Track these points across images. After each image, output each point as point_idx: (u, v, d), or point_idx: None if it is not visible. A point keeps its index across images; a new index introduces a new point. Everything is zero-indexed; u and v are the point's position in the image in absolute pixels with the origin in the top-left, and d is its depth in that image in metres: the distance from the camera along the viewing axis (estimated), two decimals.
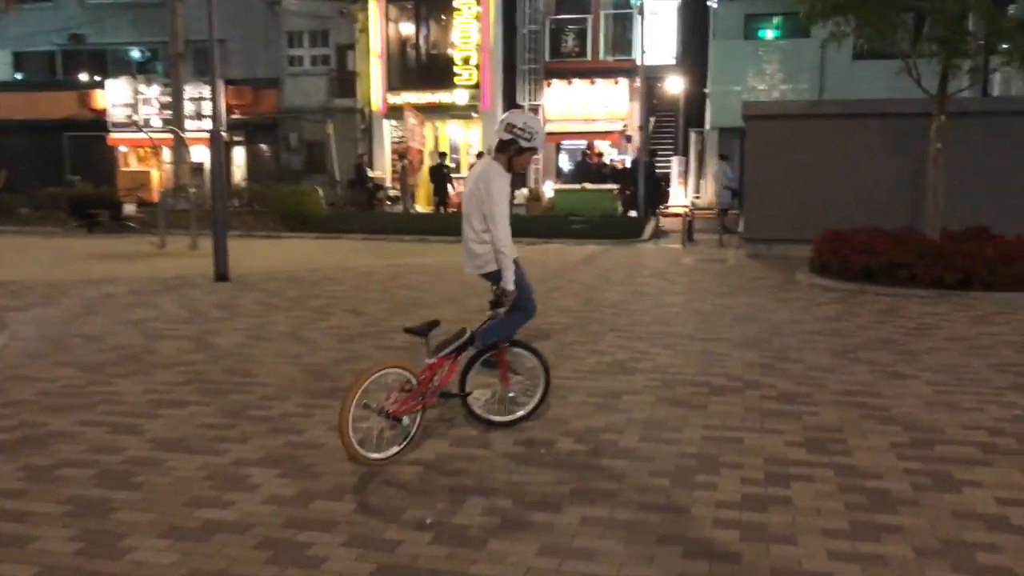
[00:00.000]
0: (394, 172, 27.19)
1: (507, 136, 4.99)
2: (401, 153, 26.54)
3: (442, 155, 25.01)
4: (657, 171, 24.58)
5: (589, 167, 26.14)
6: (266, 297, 10.52)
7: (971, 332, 8.15)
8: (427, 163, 25.90)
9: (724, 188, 19.85)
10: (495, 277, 5.08)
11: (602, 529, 3.86)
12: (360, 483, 4.40)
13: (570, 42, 27.36)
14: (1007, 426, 5.29)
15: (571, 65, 27.07)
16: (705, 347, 7.59)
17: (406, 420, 4.72)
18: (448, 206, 23.49)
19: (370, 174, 26.16)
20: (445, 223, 19.99)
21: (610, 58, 26.93)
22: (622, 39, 26.94)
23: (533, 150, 5.05)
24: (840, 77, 23.38)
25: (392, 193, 26.38)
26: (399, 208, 24.92)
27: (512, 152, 5.02)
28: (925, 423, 5.38)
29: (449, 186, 23.98)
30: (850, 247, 11.37)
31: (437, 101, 26.93)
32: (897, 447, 4.92)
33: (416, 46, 27.96)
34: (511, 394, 5.34)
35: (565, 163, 28.97)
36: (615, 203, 22.31)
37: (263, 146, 29.66)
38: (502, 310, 5.10)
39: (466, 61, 26.56)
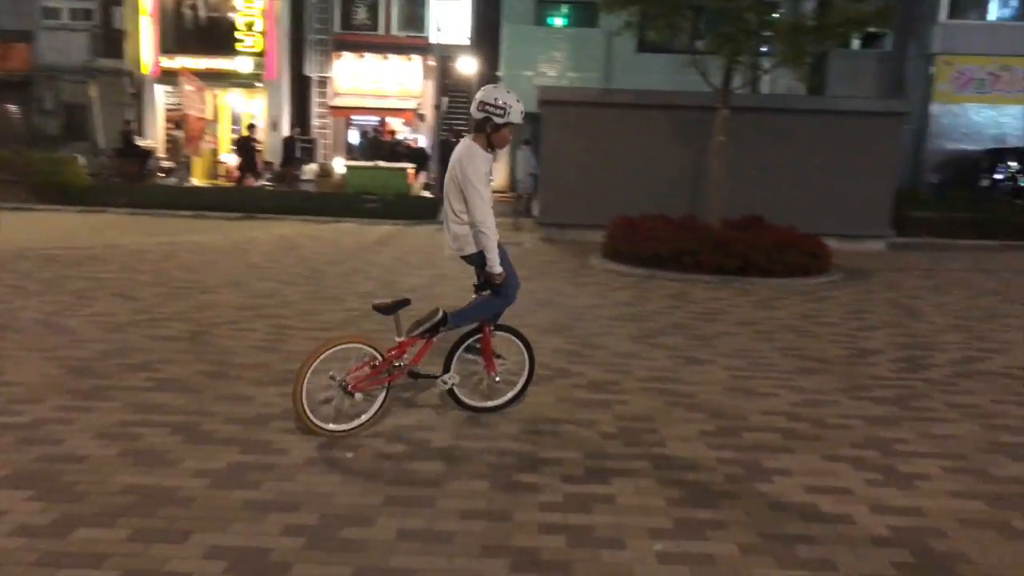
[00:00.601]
0: (168, 141, 25.12)
1: (480, 114, 4.82)
2: (177, 122, 24.54)
3: (251, 127, 23.38)
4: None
5: (381, 144, 25.48)
6: (15, 279, 9.17)
7: (755, 317, 8.58)
8: (225, 135, 24.11)
9: (528, 175, 19.99)
10: (477, 260, 5.02)
11: (421, 543, 3.52)
12: (135, 504, 3.76)
13: (361, 14, 26.50)
14: (801, 411, 5.52)
15: (363, 38, 26.23)
16: None
17: (359, 396, 4.73)
18: (258, 179, 22.07)
19: (139, 143, 23.97)
20: (226, 197, 18.68)
21: (403, 34, 26.37)
22: (415, 15, 26.45)
23: (510, 125, 4.87)
24: (625, 67, 24.29)
25: (165, 164, 24.33)
26: (173, 180, 23.03)
27: (489, 130, 4.85)
28: (728, 409, 5.49)
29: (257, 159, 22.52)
30: (640, 234, 11.73)
31: (217, 68, 25.14)
32: (707, 435, 4.97)
33: (194, 7, 25.91)
34: (497, 379, 5.20)
35: (356, 139, 28.08)
36: (408, 182, 21.86)
37: (11, 107, 26.34)
38: (486, 293, 5.09)
39: (249, 27, 25.00)
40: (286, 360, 6.29)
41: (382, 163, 21.56)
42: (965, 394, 5.97)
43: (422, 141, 25.75)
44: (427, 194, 21.36)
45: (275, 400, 5.34)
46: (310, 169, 23.38)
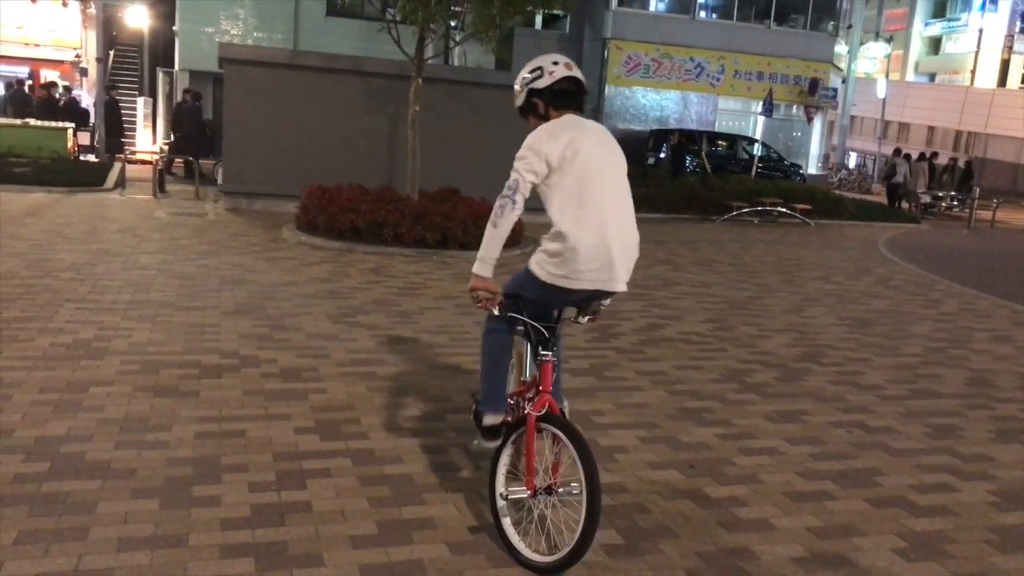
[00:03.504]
0: None
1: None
2: None
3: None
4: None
5: (29, 99, 22.16)
6: None
7: (456, 290, 8.45)
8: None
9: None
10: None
11: None
12: None
13: None
14: None
15: None
16: (191, 317, 6.58)
17: None
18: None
19: None
20: None
21: None
22: None
23: None
24: (315, 31, 23.28)
25: None
26: None
27: None
28: (434, 391, 5.23)
29: None
30: (336, 204, 11.16)
31: None
32: (412, 421, 4.66)
33: None
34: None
35: None
36: (68, 144, 19.20)
37: None
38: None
39: None
40: None
41: (33, 121, 18.77)
42: (651, 361, 6.25)
43: (84, 98, 22.82)
44: (91, 157, 18.93)
45: None
46: None
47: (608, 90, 25.18)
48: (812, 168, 28.23)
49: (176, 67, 25.19)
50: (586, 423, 4.82)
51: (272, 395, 4.93)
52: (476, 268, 3.21)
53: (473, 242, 10.61)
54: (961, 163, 26.99)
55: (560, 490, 3.20)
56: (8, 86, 23.50)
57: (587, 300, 3.37)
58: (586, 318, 3.46)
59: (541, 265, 3.24)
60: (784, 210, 17.78)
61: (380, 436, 4.42)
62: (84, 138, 20.32)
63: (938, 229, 19.78)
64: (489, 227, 3.19)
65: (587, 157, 3.22)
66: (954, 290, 10.75)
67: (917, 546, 3.60)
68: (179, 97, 20.21)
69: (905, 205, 23.33)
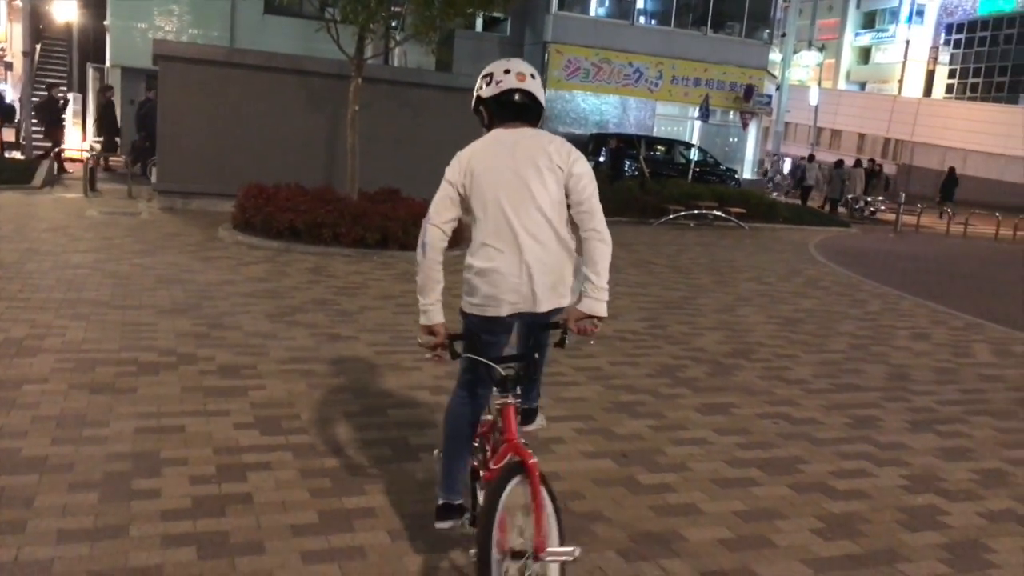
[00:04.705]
0: None
1: (543, 99, 3.18)
2: None
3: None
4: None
5: None
6: None
7: (397, 290, 8.50)
8: None
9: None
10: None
11: None
12: None
13: None
14: (445, 383, 5.47)
15: None
16: (127, 316, 6.51)
17: None
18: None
19: None
20: None
21: None
22: None
23: None
24: (252, 29, 22.98)
25: None
26: None
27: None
28: (373, 387, 5.30)
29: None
30: (274, 204, 11.09)
31: None
32: (352, 416, 4.72)
33: None
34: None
35: None
36: None
37: None
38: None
39: None
40: None
41: None
42: (587, 358, 6.41)
43: (8, 94, 22.17)
44: (17, 155, 18.41)
45: None
46: None
47: (548, 94, 25.42)
48: (748, 173, 28.93)
49: (107, 63, 24.64)
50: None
51: (211, 392, 4.94)
52: (420, 319, 3.01)
53: (413, 242, 10.66)
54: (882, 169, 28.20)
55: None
56: None
57: (532, 326, 3.04)
58: (559, 340, 3.04)
59: (463, 297, 3.08)
60: (719, 214, 18.21)
61: (320, 431, 4.48)
62: (9, 135, 19.76)
63: (867, 233, 20.49)
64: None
65: (485, 177, 2.99)
66: (879, 291, 11.20)
67: (834, 527, 3.81)
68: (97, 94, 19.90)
69: (842, 210, 24.29)
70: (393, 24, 13.80)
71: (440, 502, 3.13)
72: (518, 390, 2.92)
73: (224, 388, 5.02)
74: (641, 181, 20.38)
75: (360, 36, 11.84)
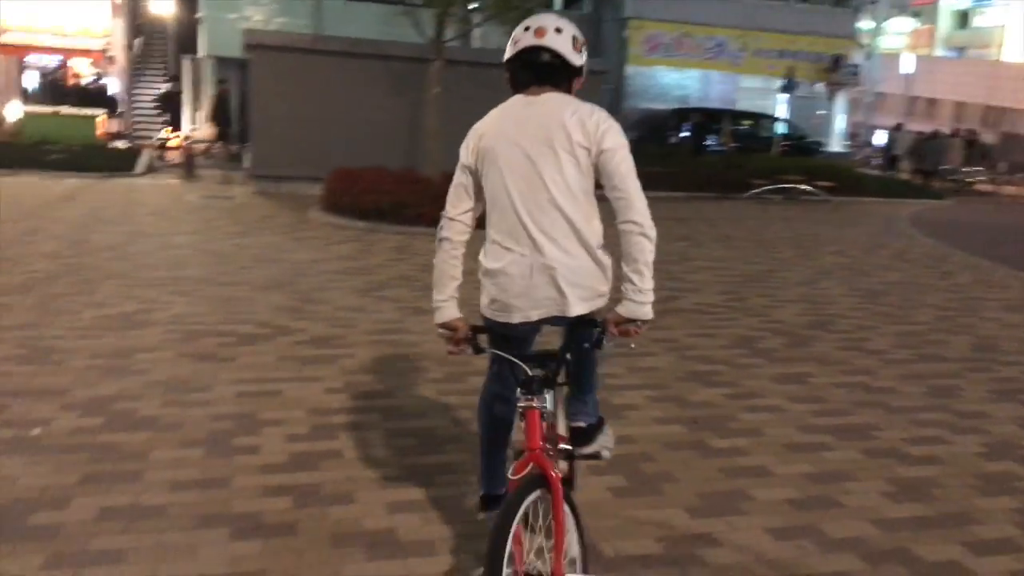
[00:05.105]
0: None
1: (579, 60, 2.64)
2: None
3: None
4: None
5: (63, 88, 22.72)
6: None
7: (475, 267, 8.72)
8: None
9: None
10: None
11: (127, 521, 3.17)
12: None
13: None
14: None
15: None
16: (225, 292, 6.94)
17: None
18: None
19: None
20: None
21: None
22: None
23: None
24: (336, 16, 23.49)
25: None
26: None
27: (575, 84, 2.74)
28: (453, 357, 5.52)
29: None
30: (360, 186, 11.49)
31: None
32: (435, 383, 4.97)
33: None
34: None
35: (33, 82, 24.76)
36: (97, 130, 19.71)
37: None
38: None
39: None
40: None
41: (67, 109, 19.26)
42: (665, 329, 6.51)
43: (113, 85, 23.30)
44: (120, 144, 19.41)
45: None
46: None
47: (628, 70, 25.25)
48: (836, 146, 28.15)
49: (202, 53, 25.60)
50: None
51: (304, 360, 5.27)
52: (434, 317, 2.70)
53: None
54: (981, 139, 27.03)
55: None
56: (42, 75, 24.02)
57: (572, 328, 2.68)
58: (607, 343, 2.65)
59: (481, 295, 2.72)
60: (806, 187, 17.85)
61: (405, 395, 4.74)
62: (114, 125, 20.83)
63: (962, 205, 19.75)
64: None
65: (492, 158, 2.61)
66: (971, 262, 10.87)
67: (905, 490, 3.85)
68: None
69: (937, 182, 23.48)
70: (473, 5, 13.99)
71: (482, 493, 2.95)
72: (546, 394, 2.49)
73: (316, 356, 5.34)
74: (724, 156, 20.12)
75: (440, 19, 12.07)
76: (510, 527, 2.23)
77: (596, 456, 3.07)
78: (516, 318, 2.60)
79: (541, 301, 2.56)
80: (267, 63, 14.14)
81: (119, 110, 21.42)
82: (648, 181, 12.01)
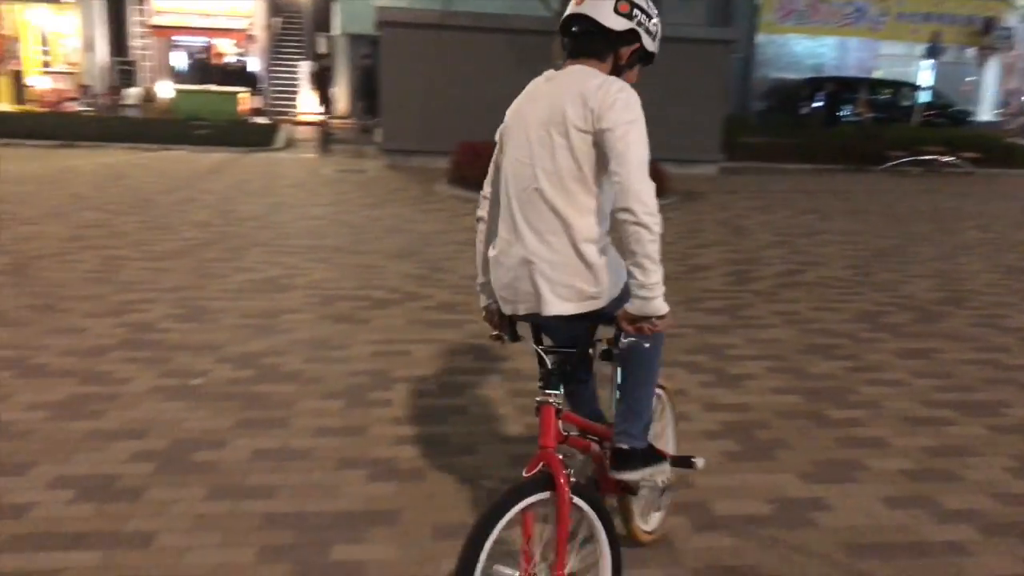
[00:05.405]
0: None
1: (623, 24, 2.35)
2: None
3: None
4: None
5: (209, 67, 24.11)
6: None
7: None
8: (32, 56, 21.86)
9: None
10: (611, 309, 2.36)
11: (276, 462, 3.52)
12: None
13: None
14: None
15: None
16: (360, 260, 7.36)
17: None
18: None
19: None
20: (37, 124, 17.20)
21: None
22: None
23: (650, 59, 2.49)
24: None
25: None
26: None
27: (628, 58, 2.43)
28: None
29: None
30: (486, 159, 11.74)
31: None
32: None
33: None
34: None
35: (181, 61, 26.37)
36: (239, 107, 20.89)
37: None
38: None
39: None
40: (120, 290, 5.99)
41: (212, 87, 20.45)
42: (787, 303, 6.47)
43: (253, 64, 24.53)
44: (261, 120, 20.48)
45: (112, 331, 5.09)
46: (134, 94, 21.84)
47: (759, 38, 24.52)
48: (986, 115, 26.48)
49: (336, 31, 26.53)
50: (716, 353, 5.18)
51: (432, 324, 5.57)
52: None
53: None
54: None
55: None
56: (190, 55, 25.51)
57: (557, 328, 2.53)
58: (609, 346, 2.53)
59: None
60: (948, 159, 16.98)
61: (525, 359, 4.96)
62: (255, 102, 21.98)
63: None
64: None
65: (506, 136, 2.47)
66: None
67: None
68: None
69: None
70: None
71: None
72: (561, 389, 2.36)
73: (442, 321, 5.64)
74: (860, 126, 19.33)
75: None
76: (490, 529, 2.07)
77: (632, 490, 2.75)
78: (507, 309, 2.46)
79: (522, 295, 2.36)
80: (397, 39, 14.61)
81: (259, 87, 22.56)
82: (776, 153, 12.16)
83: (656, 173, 11.00)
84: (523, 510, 2.16)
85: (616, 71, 2.40)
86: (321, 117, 18.27)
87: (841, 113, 21.27)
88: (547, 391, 2.34)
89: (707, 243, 8.93)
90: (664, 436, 3.11)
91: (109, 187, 10.82)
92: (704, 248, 8.63)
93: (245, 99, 21.29)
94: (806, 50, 25.09)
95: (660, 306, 2.20)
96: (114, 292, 5.96)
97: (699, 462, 2.72)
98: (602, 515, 2.31)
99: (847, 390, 4.68)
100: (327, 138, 16.90)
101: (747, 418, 4.19)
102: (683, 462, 2.71)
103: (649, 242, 2.13)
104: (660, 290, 2.19)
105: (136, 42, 24.77)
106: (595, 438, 2.72)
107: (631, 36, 2.35)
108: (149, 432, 3.72)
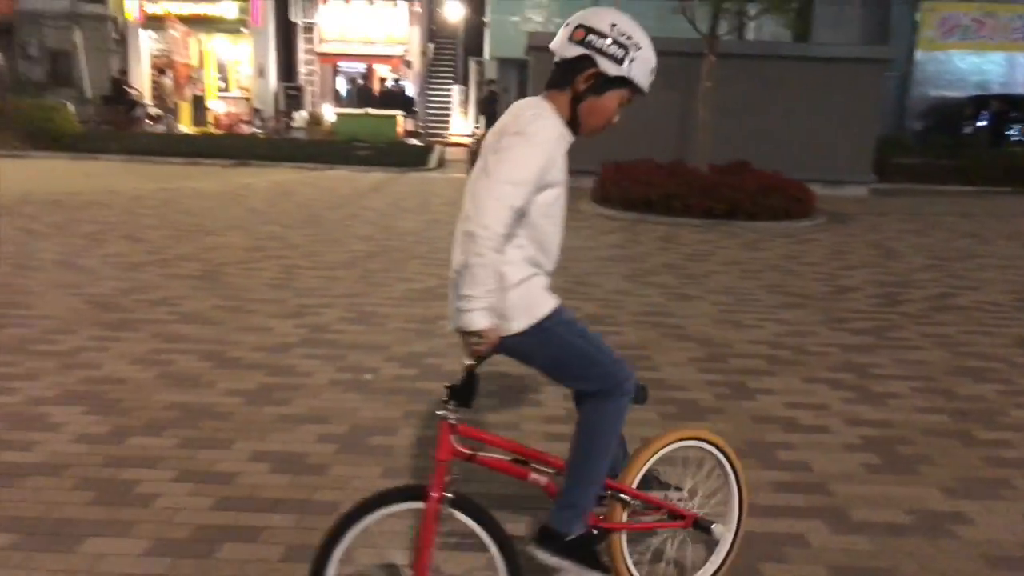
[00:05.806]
0: (154, 88, 25.03)
1: (575, 51, 2.36)
2: (161, 68, 24.44)
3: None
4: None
5: (370, 92, 25.53)
6: (24, 223, 9.41)
7: (741, 257, 8.96)
8: (211, 82, 23.96)
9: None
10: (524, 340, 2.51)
11: None
12: (178, 418, 4.12)
13: None
14: (783, 340, 5.92)
15: None
16: None
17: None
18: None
19: (130, 90, 23.88)
20: (217, 145, 18.81)
21: None
22: None
23: (631, 87, 2.42)
24: None
25: (153, 112, 24.30)
26: (161, 128, 23.04)
27: (582, 85, 2.38)
28: (716, 339, 5.89)
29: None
30: (630, 179, 12.03)
31: (203, 13, 24.96)
32: (696, 361, 5.36)
33: None
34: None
35: (344, 86, 28.04)
36: (397, 129, 22.03)
37: None
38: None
39: None
40: (298, 295, 6.63)
41: (372, 110, 21.66)
42: (937, 325, 6.38)
43: (409, 88, 25.76)
44: (415, 141, 21.51)
45: (293, 331, 5.68)
46: (300, 117, 23.43)
47: (919, 55, 23.60)
48: None
49: (486, 55, 27.49)
50: (861, 372, 5.23)
51: None
52: None
53: (761, 213, 10.97)
54: None
55: None
56: (351, 80, 27.05)
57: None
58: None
59: None
60: None
61: (668, 370, 5.18)
62: (410, 124, 23.10)
63: None
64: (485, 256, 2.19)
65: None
66: None
67: None
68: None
69: None
70: None
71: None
72: (451, 405, 2.43)
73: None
74: None
75: (715, 14, 12.27)
76: (345, 531, 2.18)
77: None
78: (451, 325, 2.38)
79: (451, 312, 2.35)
80: (544, 63, 15.06)
81: (414, 110, 23.70)
82: (933, 174, 11.96)
83: (803, 193, 10.98)
84: (391, 517, 2.27)
85: (578, 98, 2.39)
86: (471, 139, 19.03)
87: (1009, 132, 20.18)
88: (446, 405, 2.39)
89: (855, 264, 8.82)
90: (728, 506, 2.85)
91: (281, 203, 11.79)
92: (851, 269, 8.54)
93: (401, 121, 22.43)
94: (971, 67, 23.94)
95: (474, 320, 2.15)
96: (292, 297, 6.61)
97: (718, 529, 2.69)
98: (488, 527, 2.33)
99: (998, 412, 4.64)
100: (475, 158, 17.59)
101: (890, 434, 4.25)
102: (702, 527, 2.70)
103: (473, 252, 2.11)
104: (478, 304, 2.13)
105: (303, 68, 26.58)
106: (544, 467, 2.63)
107: (585, 62, 2.31)
108: (331, 418, 4.20)
